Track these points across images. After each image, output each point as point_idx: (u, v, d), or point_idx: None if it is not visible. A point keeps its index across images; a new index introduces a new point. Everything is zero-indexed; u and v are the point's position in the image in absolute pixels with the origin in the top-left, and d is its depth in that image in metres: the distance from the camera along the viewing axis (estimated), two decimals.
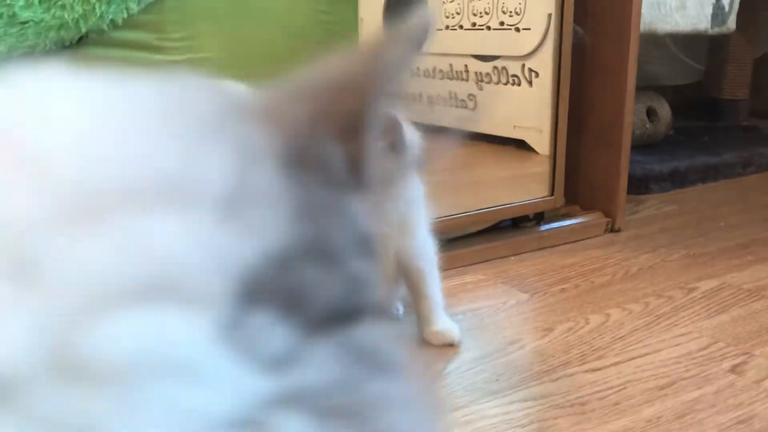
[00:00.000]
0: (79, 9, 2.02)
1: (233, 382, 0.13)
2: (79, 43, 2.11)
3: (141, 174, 0.14)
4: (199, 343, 0.13)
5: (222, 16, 2.34)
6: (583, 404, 0.68)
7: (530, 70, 1.77)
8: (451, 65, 2.04)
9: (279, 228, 0.15)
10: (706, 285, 0.98)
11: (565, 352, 0.79)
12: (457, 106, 2.03)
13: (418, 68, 2.10)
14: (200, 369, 0.13)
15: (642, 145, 1.63)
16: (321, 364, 0.14)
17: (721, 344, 0.80)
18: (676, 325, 0.86)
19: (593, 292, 0.96)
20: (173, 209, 0.14)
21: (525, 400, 0.69)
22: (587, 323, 0.86)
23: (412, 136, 0.68)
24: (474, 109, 1.97)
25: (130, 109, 0.16)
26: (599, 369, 0.75)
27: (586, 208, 1.23)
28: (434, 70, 2.10)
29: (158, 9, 2.18)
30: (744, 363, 0.76)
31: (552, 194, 1.16)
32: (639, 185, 1.45)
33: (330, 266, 0.15)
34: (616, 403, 0.68)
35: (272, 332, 0.14)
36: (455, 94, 2.03)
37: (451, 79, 2.05)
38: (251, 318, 0.14)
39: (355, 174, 0.17)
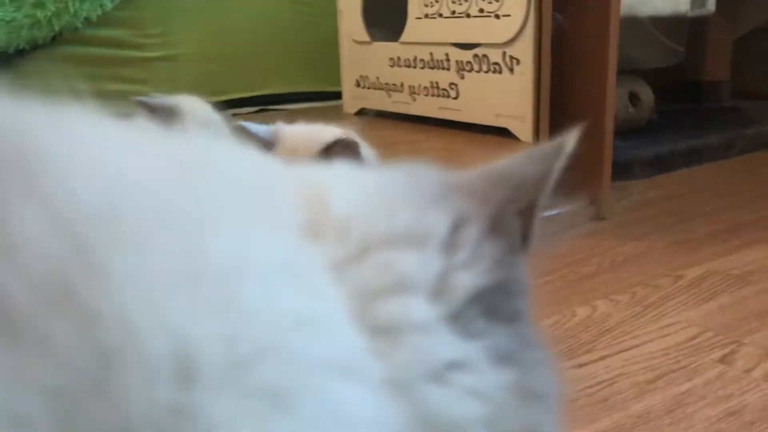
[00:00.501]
0: (51, 7, 1.99)
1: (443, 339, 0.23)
2: (52, 41, 2.08)
3: (395, 225, 0.24)
4: (433, 319, 0.23)
5: (199, 11, 2.32)
6: (571, 401, 0.67)
7: (511, 57, 1.75)
8: (431, 54, 2.02)
9: (486, 267, 0.24)
10: (693, 272, 0.97)
11: (552, 346, 0.77)
12: (439, 96, 2.01)
13: (399, 58, 2.08)
14: (432, 332, 0.22)
15: (625, 130, 1.62)
16: (502, 335, 0.25)
17: (709, 333, 0.80)
18: (663, 315, 0.85)
19: (579, 283, 0.95)
20: (415, 246, 0.23)
21: None
22: (574, 315, 0.85)
23: (368, 154, 0.68)
24: (456, 98, 1.95)
25: (387, 186, 0.26)
26: (587, 364, 0.74)
27: (571, 197, 1.22)
28: (415, 59, 2.08)
29: (134, 5, 2.15)
30: (733, 352, 0.75)
31: None
32: (623, 171, 1.44)
33: (509, 298, 0.25)
34: (605, 399, 0.67)
35: (477, 320, 0.24)
36: (437, 83, 2.02)
37: (432, 68, 2.04)
38: (468, 313, 0.23)
39: (524, 241, 0.26)
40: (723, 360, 0.74)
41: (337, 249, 0.23)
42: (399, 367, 0.21)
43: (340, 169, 0.28)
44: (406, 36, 2.08)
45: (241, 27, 2.37)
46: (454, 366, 0.22)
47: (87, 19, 2.06)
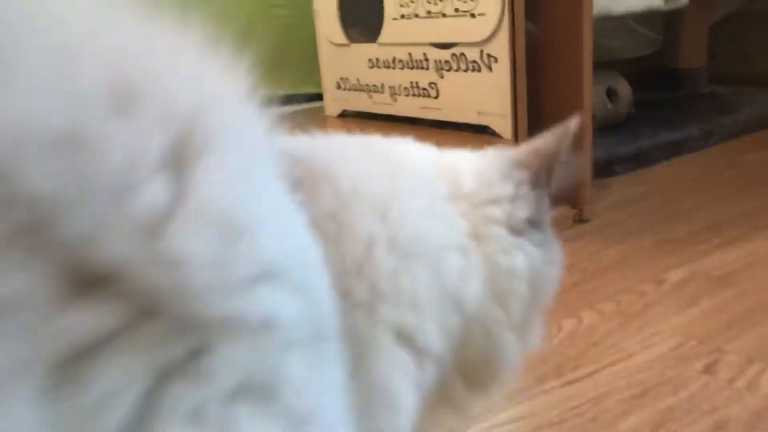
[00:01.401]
0: None
1: None
2: None
3: (489, 194, 0.48)
4: (505, 232, 0.48)
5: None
6: (560, 422, 0.69)
7: (489, 55, 1.76)
8: (410, 54, 2.03)
9: (531, 204, 0.48)
10: (675, 275, 0.99)
11: (541, 363, 0.79)
12: (419, 96, 2.01)
13: (378, 59, 2.08)
14: None
15: (604, 127, 1.63)
16: (538, 233, 0.50)
17: (693, 342, 0.81)
18: (647, 324, 0.86)
19: (565, 293, 0.96)
20: (498, 204, 0.48)
21: (503, 424, 0.69)
22: (560, 330, 0.86)
23: None
24: (436, 97, 1.96)
25: (487, 169, 0.49)
26: (575, 381, 0.75)
27: (553, 201, 1.23)
28: (394, 60, 2.08)
29: None
30: (716, 362, 0.77)
31: None
32: (604, 168, 1.45)
33: (541, 215, 0.49)
34: (593, 419, 0.69)
35: (527, 227, 0.50)
36: (417, 83, 2.02)
37: (411, 68, 2.04)
38: (524, 224, 0.49)
39: (548, 184, 0.48)
40: (707, 370, 0.76)
41: (464, 207, 0.46)
42: (487, 248, 0.46)
43: (462, 157, 0.51)
44: (383, 37, 2.08)
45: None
46: (516, 248, 0.46)
47: None
